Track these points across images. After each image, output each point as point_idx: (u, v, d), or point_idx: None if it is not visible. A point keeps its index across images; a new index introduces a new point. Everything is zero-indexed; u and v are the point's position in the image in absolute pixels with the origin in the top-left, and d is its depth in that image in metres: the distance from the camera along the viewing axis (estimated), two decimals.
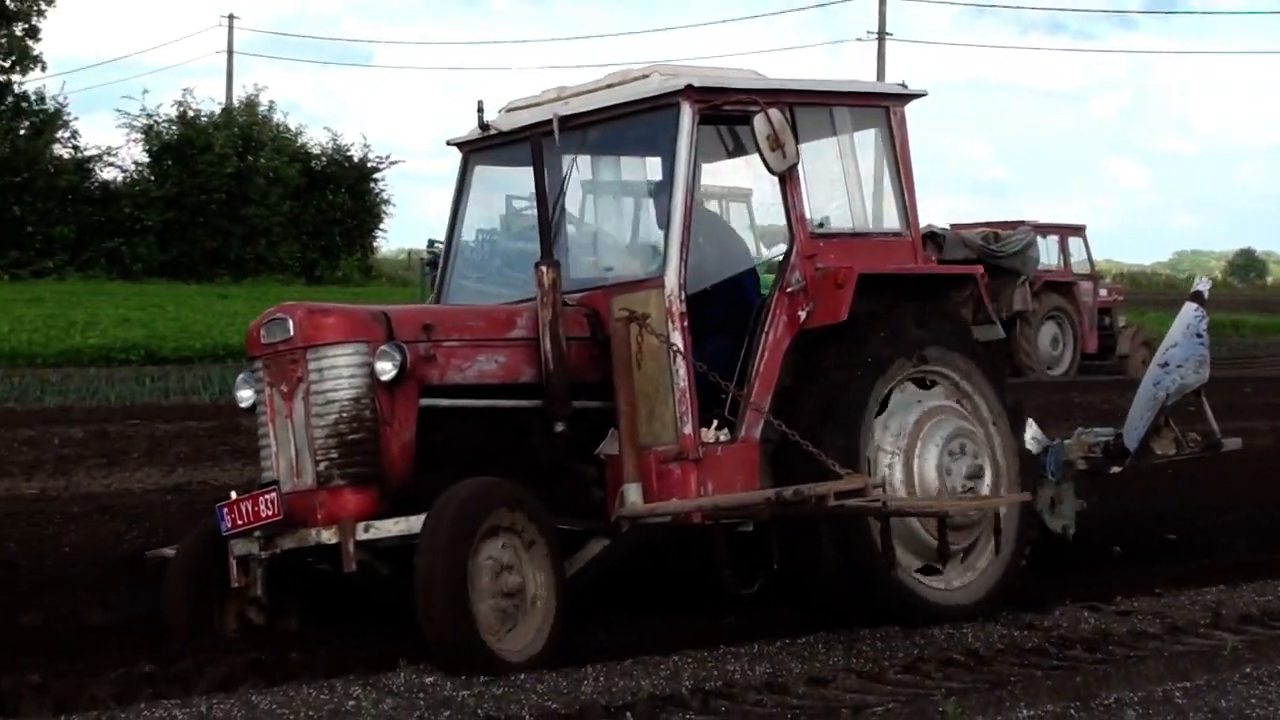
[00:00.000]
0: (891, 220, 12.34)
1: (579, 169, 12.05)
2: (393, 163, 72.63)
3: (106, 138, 62.97)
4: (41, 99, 67.32)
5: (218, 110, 69.78)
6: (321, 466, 10.41)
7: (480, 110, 11.97)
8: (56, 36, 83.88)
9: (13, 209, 62.11)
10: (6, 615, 11.58)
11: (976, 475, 11.74)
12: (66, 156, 66.19)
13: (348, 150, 68.91)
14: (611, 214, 12.55)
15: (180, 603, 10.94)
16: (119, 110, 66.73)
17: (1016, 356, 40.60)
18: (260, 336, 10.71)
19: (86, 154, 67.20)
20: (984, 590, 11.89)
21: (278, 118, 70.19)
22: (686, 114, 11.17)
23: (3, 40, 67.58)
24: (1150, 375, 13.57)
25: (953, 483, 11.62)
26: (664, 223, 11.18)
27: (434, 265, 37.48)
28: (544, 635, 10.24)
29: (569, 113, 11.65)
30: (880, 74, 72.10)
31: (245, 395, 10.93)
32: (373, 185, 70.33)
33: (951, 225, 42.48)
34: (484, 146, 12.26)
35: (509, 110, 12.22)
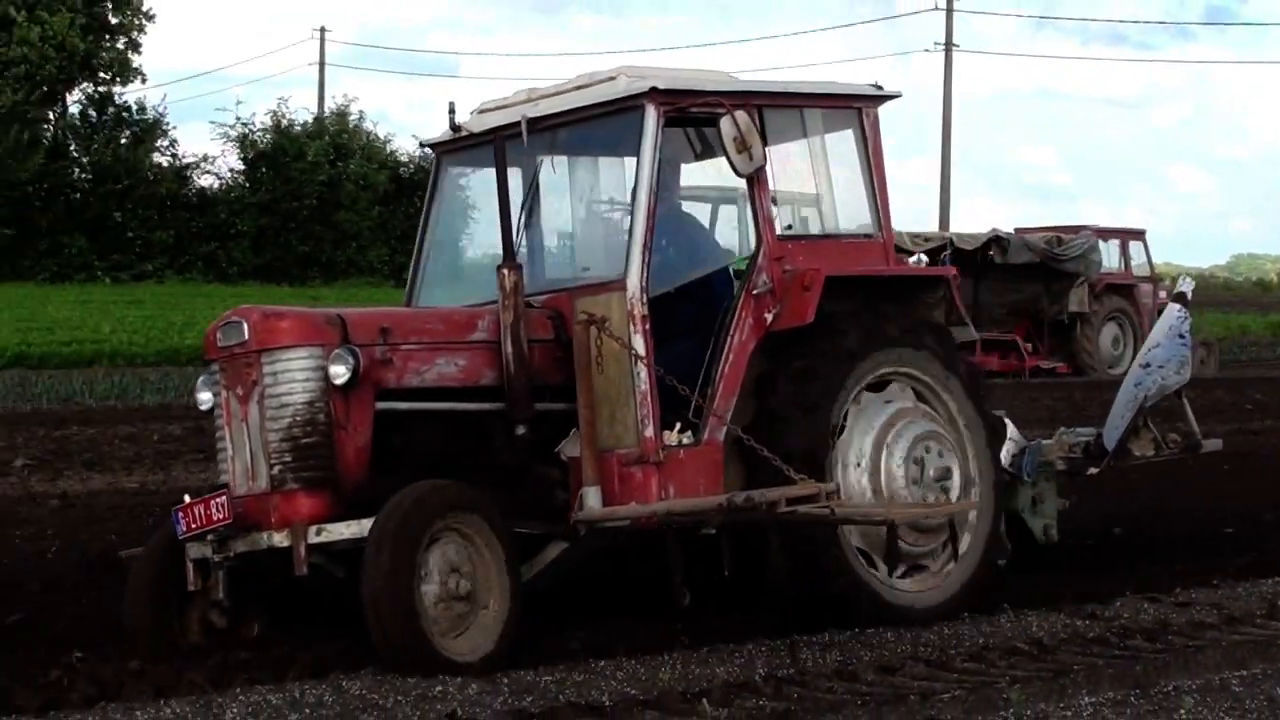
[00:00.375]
0: (864, 222, 11.99)
1: (550, 170, 11.76)
2: None
3: (203, 147, 63.72)
4: (142, 109, 67.98)
5: (310, 120, 69.99)
6: (275, 470, 10.09)
7: (451, 112, 11.68)
8: (156, 50, 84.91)
9: (114, 215, 63.09)
10: (108, 605, 11.43)
11: (944, 477, 11.38)
12: (165, 165, 66.93)
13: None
14: (582, 216, 12.13)
15: (142, 606, 10.62)
16: (214, 121, 67.09)
17: (1078, 356, 40.58)
18: (216, 340, 10.46)
19: (184, 162, 68.10)
20: (949, 593, 11.52)
21: (367, 127, 70.50)
22: (651, 116, 10.82)
23: (106, 54, 67.91)
24: (1132, 376, 13.29)
25: (920, 485, 11.27)
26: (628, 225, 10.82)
27: None
28: (495, 636, 9.95)
29: (537, 114, 11.30)
30: (947, 83, 71.97)
31: (204, 398, 10.65)
32: None
33: (1016, 229, 42.69)
34: (456, 148, 11.94)
35: (480, 112, 11.91)
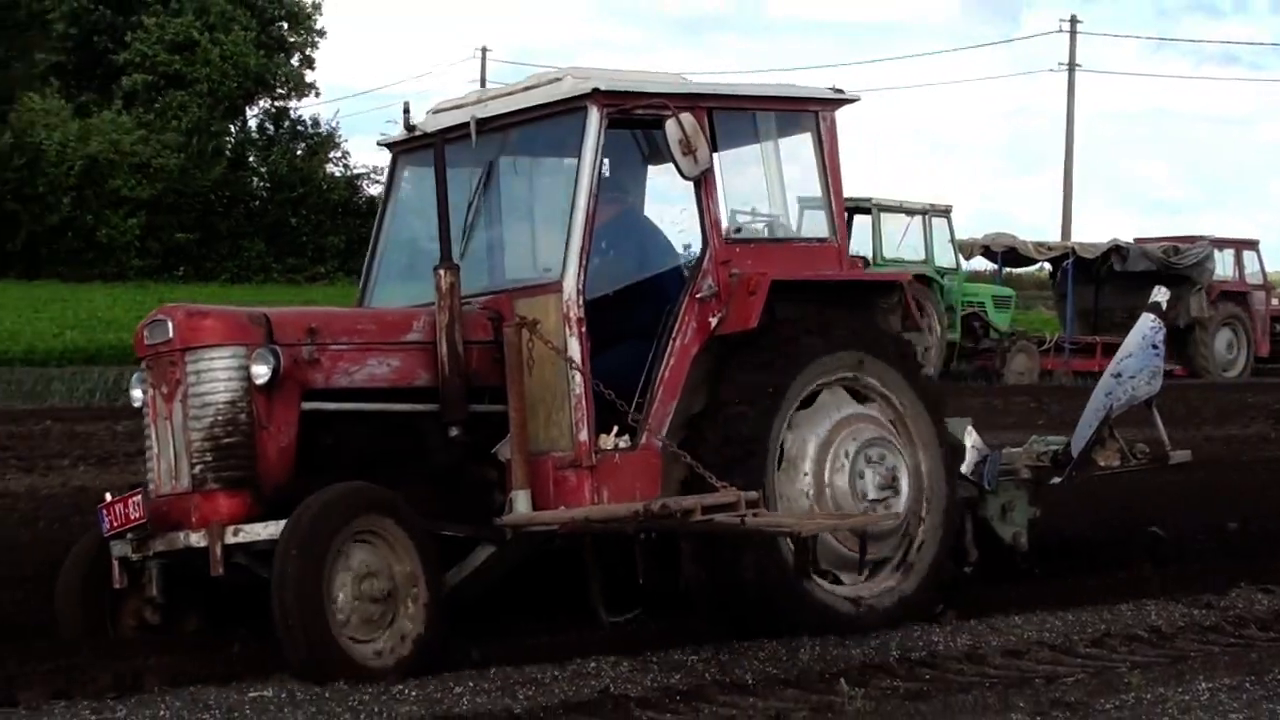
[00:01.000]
0: (818, 226, 11.28)
1: (497, 172, 11.08)
2: None
3: (372, 158, 64.58)
4: (316, 123, 69.23)
5: None
6: (196, 470, 9.53)
7: (406, 112, 11.10)
8: (329, 67, 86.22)
9: (290, 221, 64.70)
10: None
11: (890, 486, 10.70)
12: (338, 174, 68.19)
13: None
14: (528, 217, 11.45)
15: (73, 603, 10.14)
16: (383, 133, 67.54)
17: (1195, 360, 40.32)
18: (144, 338, 9.92)
19: (355, 172, 69.26)
20: (897, 598, 10.83)
21: None
22: (594, 117, 10.18)
23: (281, 70, 68.95)
24: (1102, 385, 12.56)
25: (865, 493, 10.61)
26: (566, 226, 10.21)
27: None
28: (412, 641, 9.37)
29: (486, 115, 10.69)
30: (1070, 102, 71.41)
31: (137, 396, 10.11)
32: None
33: (1135, 239, 42.42)
34: (411, 148, 11.30)
35: (435, 112, 11.28)
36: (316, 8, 71.32)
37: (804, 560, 9.66)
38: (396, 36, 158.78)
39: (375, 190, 67.03)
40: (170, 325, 9.66)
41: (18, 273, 54.49)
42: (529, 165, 11.39)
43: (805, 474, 10.50)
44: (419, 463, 10.11)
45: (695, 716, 8.69)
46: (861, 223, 35.78)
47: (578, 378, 9.92)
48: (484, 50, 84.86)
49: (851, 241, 31.30)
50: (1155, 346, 12.50)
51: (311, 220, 65.08)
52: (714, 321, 10.39)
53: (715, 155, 10.57)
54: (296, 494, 9.35)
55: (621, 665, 9.57)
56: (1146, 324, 12.61)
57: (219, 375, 9.54)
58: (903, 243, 36.92)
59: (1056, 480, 12.35)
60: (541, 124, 10.66)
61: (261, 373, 9.45)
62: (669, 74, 11.25)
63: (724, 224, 10.60)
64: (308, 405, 9.68)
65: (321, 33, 71.00)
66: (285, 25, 68.70)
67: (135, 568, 9.89)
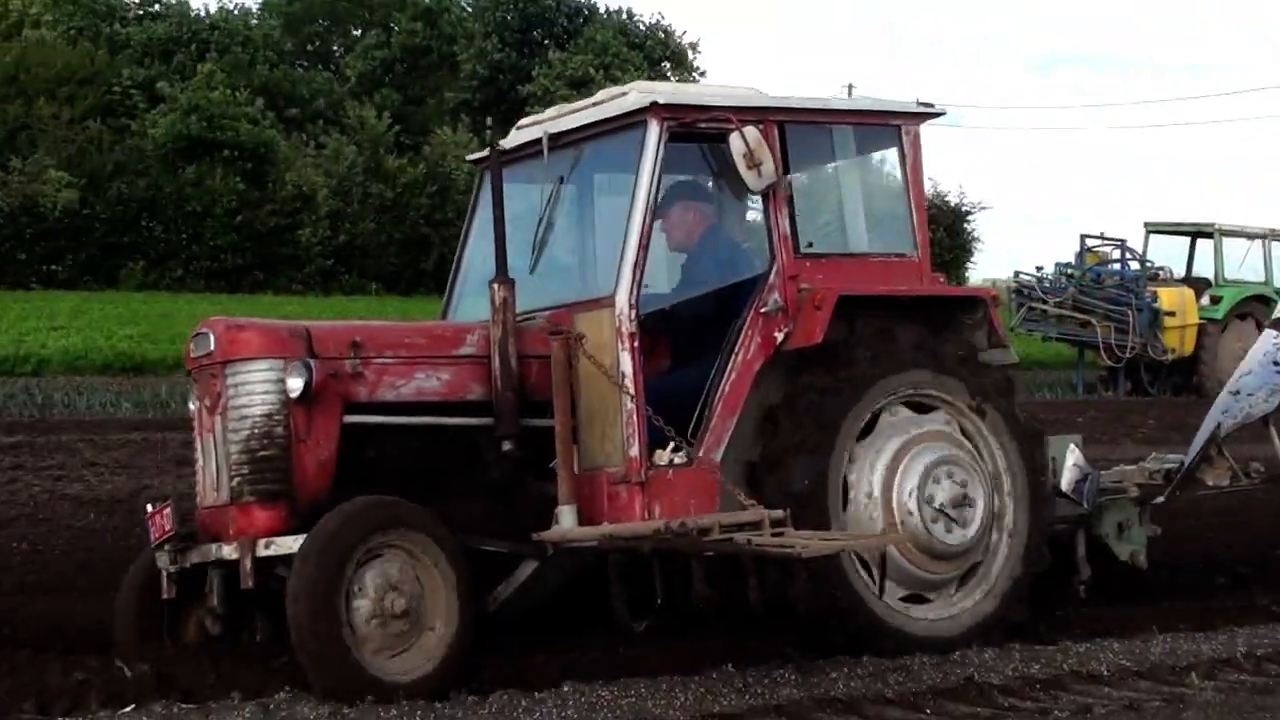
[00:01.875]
0: (900, 242, 10.39)
1: (568, 186, 10.38)
2: (983, 208, 73.10)
3: None
4: None
5: None
6: (234, 482, 9.02)
7: (488, 128, 10.75)
8: None
9: None
10: None
11: (962, 503, 9.80)
12: None
13: (945, 196, 68.19)
14: (593, 231, 10.66)
15: (129, 615, 9.64)
16: None
17: None
18: (190, 351, 9.46)
19: None
20: (972, 622, 9.98)
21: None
22: (653, 131, 9.46)
23: None
24: (1219, 403, 11.59)
25: (933, 513, 9.75)
26: (622, 239, 9.52)
27: (1019, 292, 36.35)
28: (439, 658, 8.75)
29: (556, 130, 10.06)
30: None
31: (191, 408, 9.68)
32: (966, 226, 69.38)
33: None
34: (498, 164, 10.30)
35: (519, 128, 10.67)
36: (694, 47, 71.06)
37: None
38: (770, 73, 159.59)
39: (752, 216, 67.11)
40: (212, 338, 9.16)
41: (428, 288, 54.75)
42: (596, 180, 10.61)
43: (872, 498, 9.72)
44: (473, 477, 9.51)
45: (1054, 704, 8.61)
46: (1204, 247, 34.82)
47: (630, 392, 9.20)
48: (849, 87, 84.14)
49: (1194, 264, 29.24)
50: (1276, 363, 11.47)
51: None
52: (780, 336, 9.64)
53: (788, 169, 9.87)
54: (335, 507, 8.78)
55: (985, 654, 9.58)
56: (1269, 340, 11.65)
57: (256, 388, 9.01)
58: (1244, 265, 35.29)
59: (1159, 500, 11.45)
60: (607, 139, 9.95)
61: (296, 386, 8.89)
62: (739, 88, 10.45)
63: (793, 238, 9.82)
64: (351, 419, 9.12)
65: (702, 72, 70.81)
66: (669, 65, 68.47)
67: (187, 578, 9.34)
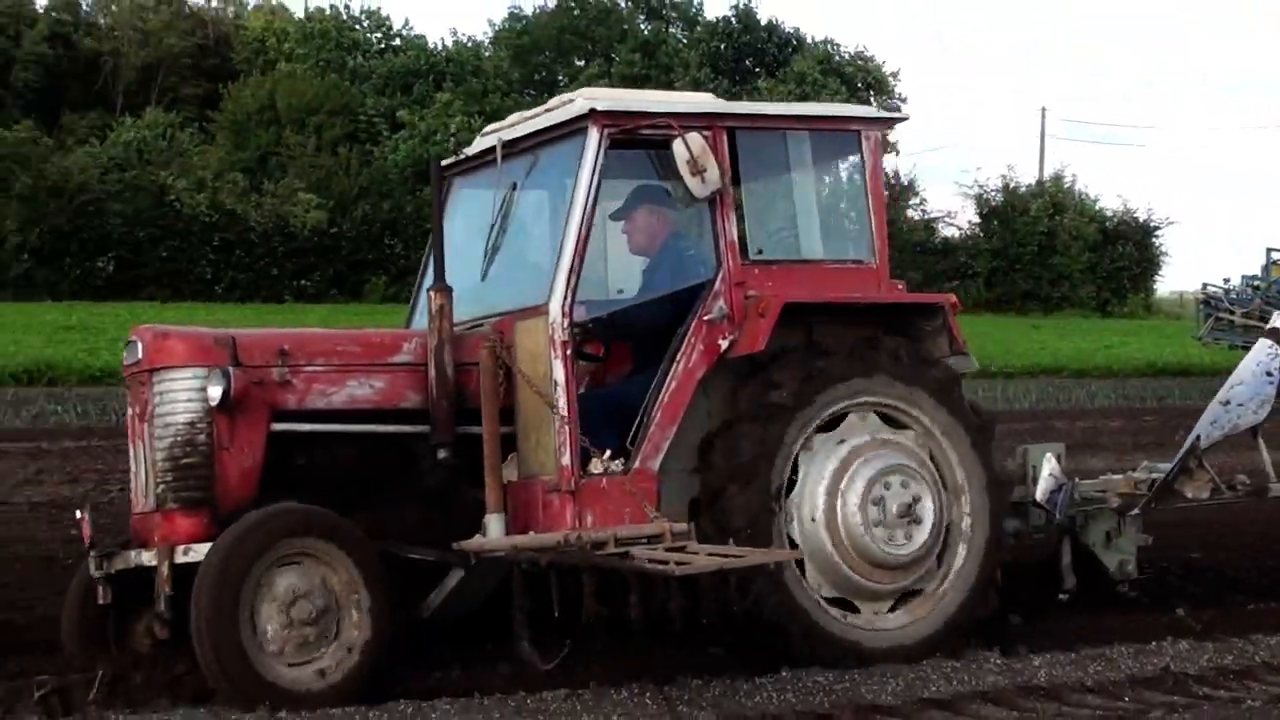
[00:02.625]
0: (858, 248, 9.59)
1: (518, 193, 9.55)
2: (1170, 223, 73.41)
3: (946, 203, 65.50)
4: (896, 175, 68.17)
5: (1033, 182, 70.12)
6: (159, 489, 8.47)
7: (453, 135, 10.12)
8: (907, 128, 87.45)
9: None
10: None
11: (909, 513, 9.00)
12: (916, 218, 67.16)
13: (1134, 213, 68.20)
14: (539, 239, 9.81)
15: (72, 620, 9.12)
16: (957, 183, 67.51)
17: None
18: (124, 359, 8.93)
19: (931, 216, 68.52)
20: (928, 630, 9.17)
21: (1079, 188, 69.48)
22: (593, 138, 8.76)
23: None
24: (1208, 414, 10.58)
25: (883, 525, 8.97)
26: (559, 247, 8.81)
27: (1206, 303, 35.71)
28: (351, 665, 8.18)
29: (511, 138, 9.42)
30: None
31: (127, 416, 9.15)
32: (1154, 241, 68.84)
33: None
34: (461, 170, 9.94)
35: (483, 134, 9.97)
36: (895, 75, 71.30)
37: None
38: (966, 98, 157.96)
39: (949, 232, 67.31)
40: (140, 346, 8.67)
41: None
42: (543, 187, 9.86)
43: (819, 499, 8.97)
44: (409, 484, 8.92)
45: (1247, 694, 8.35)
46: None
47: (562, 401, 8.54)
48: (1043, 110, 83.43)
49: None
50: (1270, 374, 10.58)
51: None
52: (724, 344, 8.90)
53: (739, 176, 9.19)
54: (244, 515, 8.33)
55: (1180, 645, 9.26)
56: (1263, 350, 10.72)
57: (180, 396, 8.47)
58: None
59: (1134, 512, 10.48)
60: (554, 146, 9.28)
61: (215, 394, 8.36)
62: (693, 95, 9.88)
63: (741, 245, 9.10)
64: (279, 426, 8.56)
65: (903, 98, 70.52)
66: (871, 92, 68.03)
67: (130, 584, 8.78)
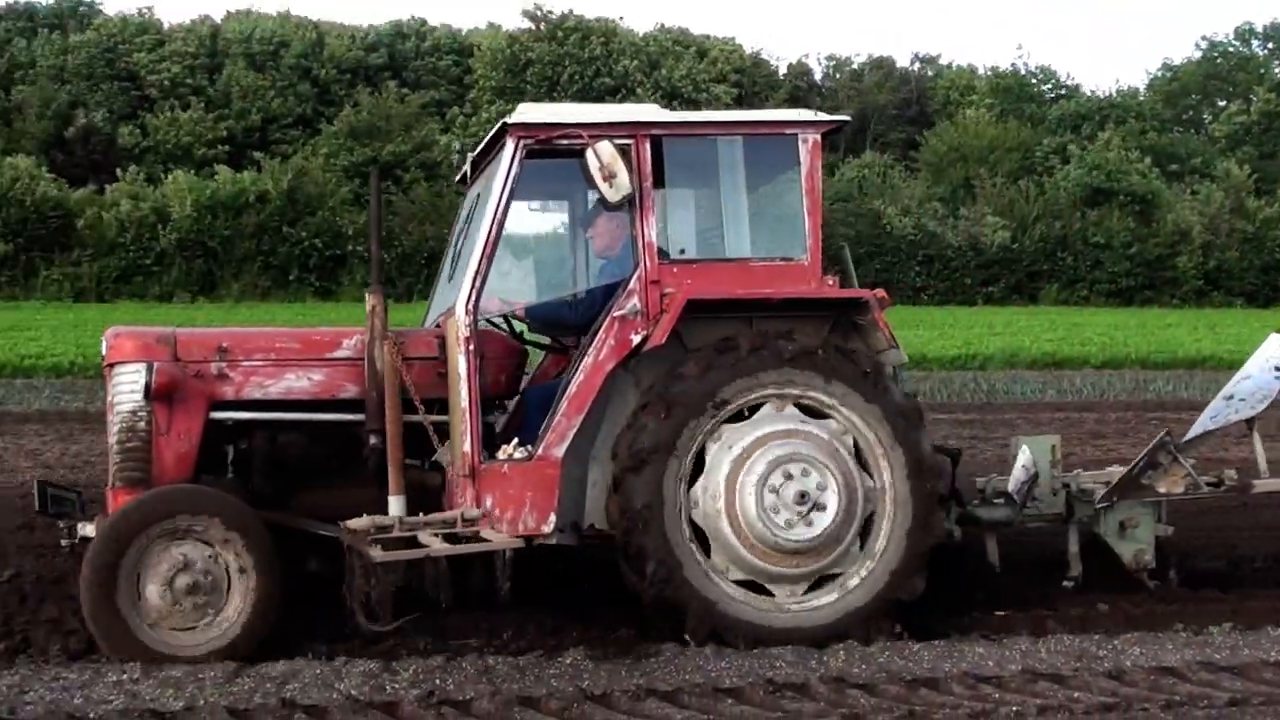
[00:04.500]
0: (791, 246, 8.45)
1: (477, 204, 8.76)
2: None
3: None
4: None
5: None
6: (112, 470, 8.21)
7: (460, 151, 9.32)
8: None
9: None
10: None
11: (805, 500, 7.95)
12: None
13: None
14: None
15: None
16: None
17: None
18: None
19: None
20: (841, 613, 8.08)
21: None
22: (508, 149, 8.15)
23: None
24: (1210, 407, 9.25)
25: (779, 512, 7.97)
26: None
27: None
28: (233, 633, 7.72)
29: (475, 155, 8.87)
30: None
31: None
32: None
33: None
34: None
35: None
36: None
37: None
38: None
39: None
40: (105, 343, 8.47)
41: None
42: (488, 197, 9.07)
43: (720, 487, 8.03)
44: (351, 468, 8.37)
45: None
46: None
47: (463, 392, 7.98)
48: None
49: None
50: (1278, 369, 9.08)
51: None
52: (636, 339, 8.11)
53: (663, 181, 8.32)
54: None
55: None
56: (1275, 345, 9.22)
57: (125, 388, 8.22)
58: None
59: (1103, 505, 9.00)
60: (493, 158, 8.64)
61: (141, 385, 8.08)
62: (630, 107, 8.98)
63: (658, 245, 8.23)
64: (217, 415, 8.24)
65: None
66: None
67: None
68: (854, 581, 8.19)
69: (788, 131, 8.40)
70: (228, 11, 79.76)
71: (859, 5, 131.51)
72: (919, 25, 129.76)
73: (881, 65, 71.76)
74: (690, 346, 8.18)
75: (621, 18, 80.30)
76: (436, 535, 7.62)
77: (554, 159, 8.36)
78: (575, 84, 54.95)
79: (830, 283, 8.36)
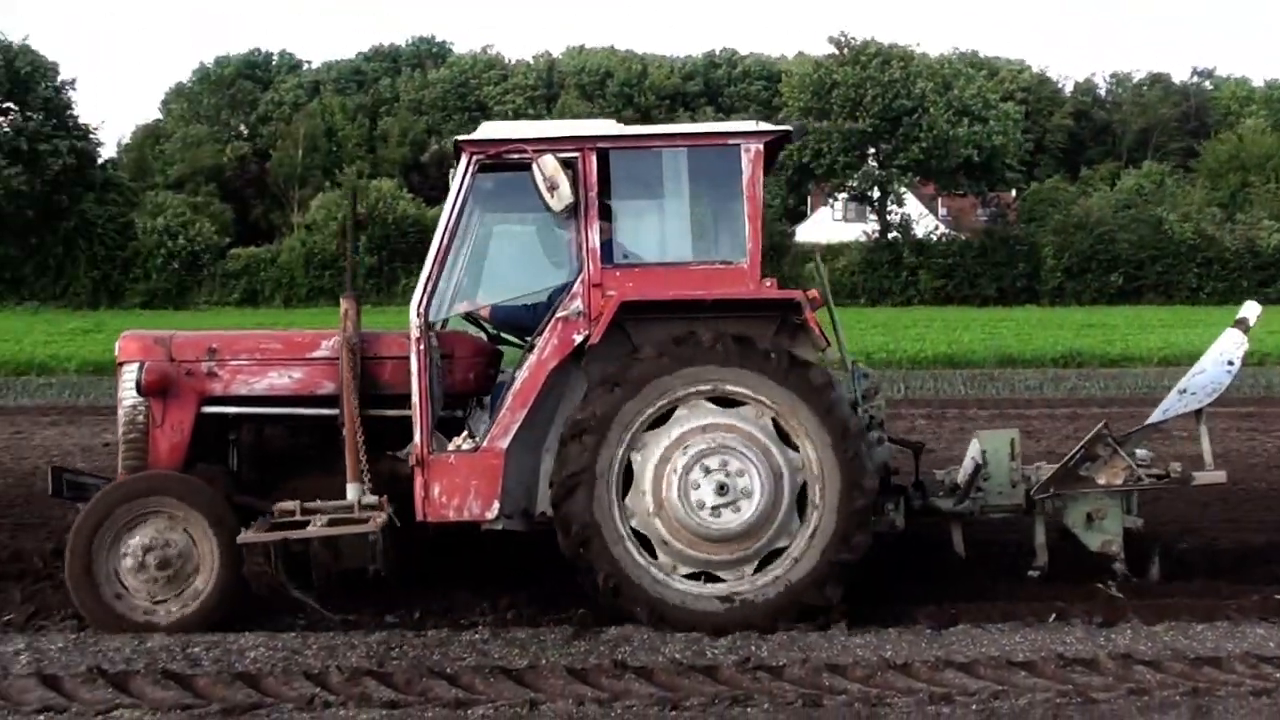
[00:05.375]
0: (732, 250, 8.22)
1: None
2: None
3: None
4: None
5: None
6: (119, 459, 8.48)
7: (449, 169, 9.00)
8: None
9: None
10: None
11: (726, 492, 7.78)
12: None
13: None
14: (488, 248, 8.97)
15: None
16: None
17: None
18: None
19: None
20: (790, 583, 7.86)
21: None
22: (461, 164, 8.17)
23: None
24: (1164, 402, 8.79)
25: (703, 501, 7.80)
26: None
27: None
28: (198, 605, 7.90)
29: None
30: None
31: None
32: None
33: None
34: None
35: None
36: None
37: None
38: None
39: None
40: (117, 346, 8.73)
41: None
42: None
43: (648, 494, 7.90)
44: (330, 456, 8.42)
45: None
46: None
47: (414, 387, 8.03)
48: None
49: None
50: (1231, 363, 8.65)
51: None
52: (578, 339, 8.06)
53: (610, 190, 8.20)
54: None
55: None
56: (1229, 340, 8.78)
57: (128, 384, 8.50)
58: None
59: (1040, 496, 8.59)
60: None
61: (133, 382, 8.40)
62: (585, 122, 8.92)
63: (601, 250, 8.08)
64: (208, 409, 8.45)
65: None
66: None
67: None
68: (798, 553, 7.95)
69: (730, 142, 8.20)
70: (566, 47, 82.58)
71: (1139, 23, 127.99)
72: (1196, 40, 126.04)
73: (1160, 80, 70.76)
74: (636, 344, 8.07)
75: (919, 43, 79.50)
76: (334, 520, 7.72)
77: (504, 172, 8.31)
78: (876, 105, 55.24)
79: (768, 284, 8.08)
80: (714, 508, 7.86)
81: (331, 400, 8.42)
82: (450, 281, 8.47)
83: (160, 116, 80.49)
